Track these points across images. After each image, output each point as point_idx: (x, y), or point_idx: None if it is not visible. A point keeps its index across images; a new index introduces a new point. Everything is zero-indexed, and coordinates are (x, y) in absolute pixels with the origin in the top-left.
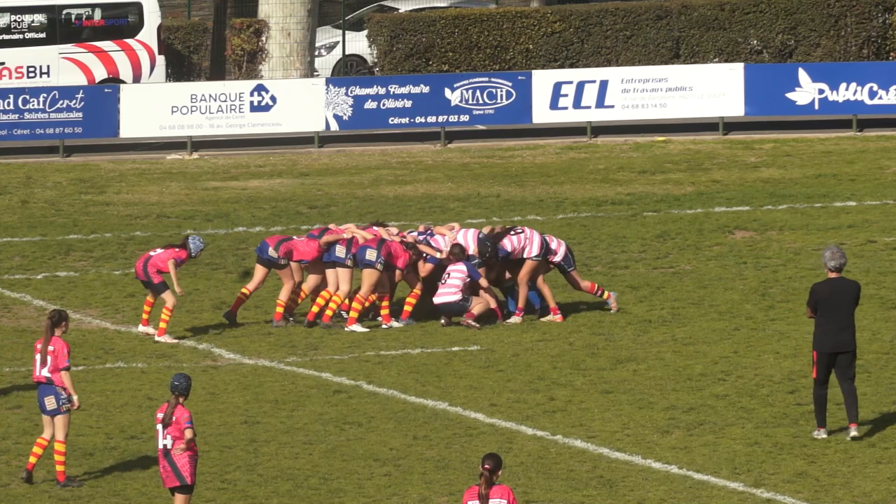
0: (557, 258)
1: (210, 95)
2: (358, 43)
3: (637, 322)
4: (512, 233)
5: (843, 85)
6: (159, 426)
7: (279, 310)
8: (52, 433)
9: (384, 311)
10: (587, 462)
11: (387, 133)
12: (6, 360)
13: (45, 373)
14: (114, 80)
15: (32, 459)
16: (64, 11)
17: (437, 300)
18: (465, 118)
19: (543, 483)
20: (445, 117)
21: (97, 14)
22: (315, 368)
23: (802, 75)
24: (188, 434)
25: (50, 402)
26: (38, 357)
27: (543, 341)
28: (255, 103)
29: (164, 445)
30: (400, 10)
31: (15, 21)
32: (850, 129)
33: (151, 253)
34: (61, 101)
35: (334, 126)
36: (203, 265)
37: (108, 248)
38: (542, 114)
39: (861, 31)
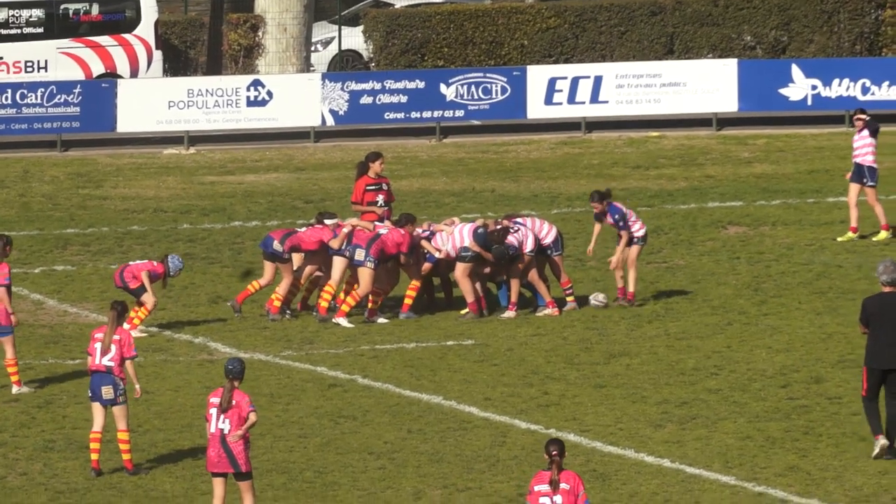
0: (547, 241)
1: (207, 90)
2: (354, 38)
3: (630, 317)
4: (511, 229)
5: (836, 81)
6: (213, 410)
7: (277, 304)
8: (102, 423)
9: (371, 306)
10: (580, 456)
11: (382, 128)
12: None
13: (107, 361)
14: (111, 75)
15: (94, 456)
16: (61, 6)
17: None
18: (460, 113)
19: None
20: (440, 112)
21: (94, 9)
22: (310, 362)
23: (795, 71)
24: (252, 418)
25: (107, 392)
26: (98, 346)
27: (537, 336)
28: (252, 98)
29: (221, 430)
30: (396, 6)
31: (13, 16)
32: (843, 125)
33: (130, 263)
34: (59, 96)
35: (330, 121)
36: (199, 259)
37: (106, 243)
38: (536, 109)
39: (854, 27)
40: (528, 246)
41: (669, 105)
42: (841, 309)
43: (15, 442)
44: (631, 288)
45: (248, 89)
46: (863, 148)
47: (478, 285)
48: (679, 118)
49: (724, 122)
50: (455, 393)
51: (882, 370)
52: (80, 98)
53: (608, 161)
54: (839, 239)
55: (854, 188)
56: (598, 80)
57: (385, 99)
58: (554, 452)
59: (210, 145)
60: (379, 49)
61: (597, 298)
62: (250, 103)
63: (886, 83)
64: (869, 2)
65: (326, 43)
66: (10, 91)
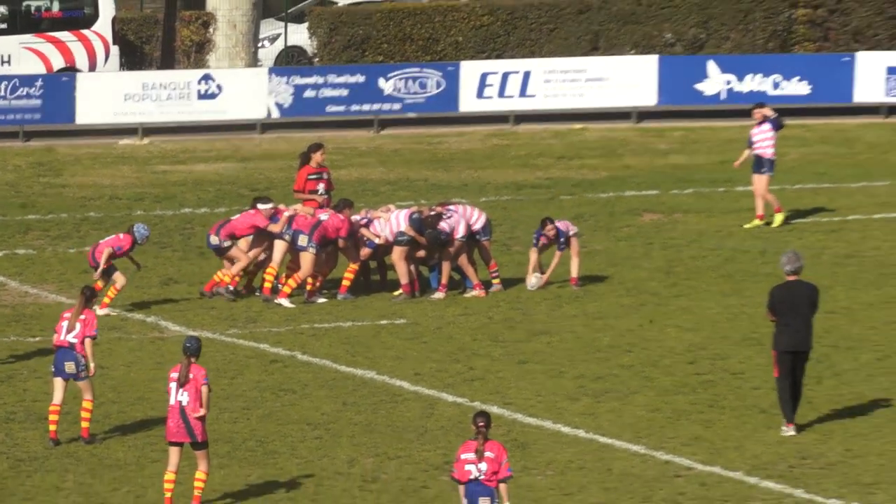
0: (477, 226)
1: (160, 84)
2: (299, 35)
3: (552, 297)
4: (444, 215)
5: (750, 76)
6: (173, 384)
7: (228, 280)
8: (61, 397)
9: (310, 288)
10: (503, 426)
11: (324, 120)
12: None
13: (71, 338)
14: (71, 69)
15: (52, 427)
16: (24, 3)
17: None
18: (397, 107)
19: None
20: (379, 105)
21: (55, 6)
22: (254, 340)
23: (712, 67)
24: (204, 391)
25: (70, 367)
26: (64, 324)
27: (465, 315)
28: (202, 91)
29: (180, 402)
30: (339, 4)
31: None
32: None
33: (100, 241)
34: (21, 89)
35: (276, 113)
36: (151, 244)
37: (64, 228)
38: (468, 103)
39: (768, 25)
40: (460, 231)
41: (593, 99)
42: (746, 291)
43: None
44: (574, 274)
45: (199, 83)
46: (764, 141)
47: (412, 268)
48: (602, 111)
49: (643, 115)
50: (387, 368)
51: (786, 352)
52: (41, 91)
53: (534, 152)
54: (746, 226)
55: (757, 178)
56: (526, 76)
57: (327, 93)
58: (481, 424)
59: (163, 136)
60: (322, 45)
61: (533, 280)
62: (201, 96)
63: (797, 78)
64: (783, 1)
65: (273, 39)
66: None
